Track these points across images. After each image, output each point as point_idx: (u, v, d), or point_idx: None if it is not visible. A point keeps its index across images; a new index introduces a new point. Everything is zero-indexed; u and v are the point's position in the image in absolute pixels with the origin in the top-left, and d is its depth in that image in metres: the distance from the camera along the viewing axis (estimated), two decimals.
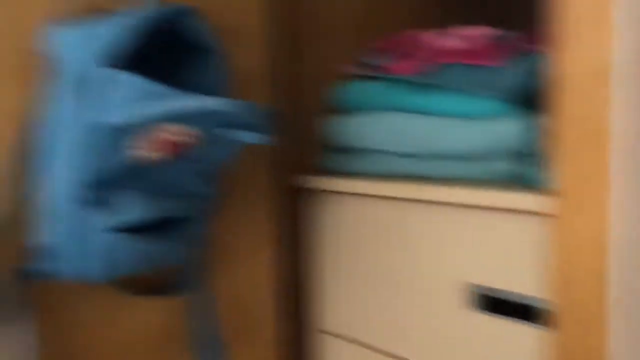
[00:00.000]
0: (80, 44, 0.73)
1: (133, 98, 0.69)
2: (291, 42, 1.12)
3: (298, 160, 1.12)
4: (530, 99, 0.88)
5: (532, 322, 0.78)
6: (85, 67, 0.71)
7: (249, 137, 0.74)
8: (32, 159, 0.79)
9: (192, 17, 0.77)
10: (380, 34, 1.11)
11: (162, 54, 0.83)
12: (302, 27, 1.13)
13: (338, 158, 1.08)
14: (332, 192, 1.05)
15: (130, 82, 0.69)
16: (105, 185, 0.72)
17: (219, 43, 0.80)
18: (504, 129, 0.86)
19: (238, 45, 1.02)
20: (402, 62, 0.96)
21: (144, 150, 0.72)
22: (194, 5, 0.94)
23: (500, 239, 0.81)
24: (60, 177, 0.73)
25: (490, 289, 0.83)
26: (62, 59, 0.74)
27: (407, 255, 0.93)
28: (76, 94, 0.72)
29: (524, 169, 0.85)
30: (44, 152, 0.76)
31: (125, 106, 0.69)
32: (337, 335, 1.08)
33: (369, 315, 1.01)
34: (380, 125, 1.00)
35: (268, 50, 1.06)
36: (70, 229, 0.73)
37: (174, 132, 0.72)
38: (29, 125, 0.80)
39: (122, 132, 0.69)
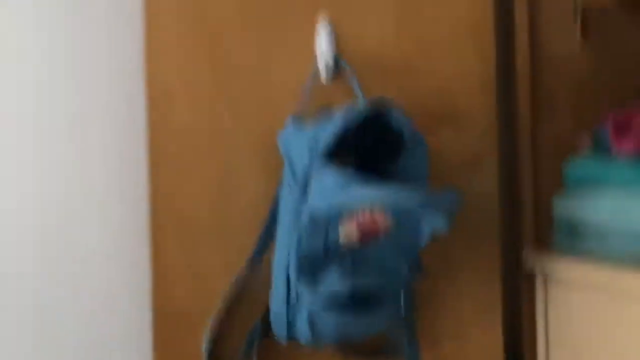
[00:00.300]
0: (300, 142, 0.87)
1: (336, 189, 0.80)
2: (524, 119, 1.12)
3: (530, 238, 1.11)
4: None
5: None
6: (303, 163, 0.85)
7: (438, 223, 0.79)
8: (270, 235, 0.96)
9: (395, 112, 0.86)
10: (617, 108, 1.05)
11: (378, 143, 0.94)
12: (537, 103, 1.12)
13: (567, 237, 1.04)
14: (560, 276, 1.01)
15: (334, 176, 0.81)
16: (313, 262, 0.84)
17: (418, 134, 0.87)
18: None
19: (469, 126, 1.07)
20: (630, 137, 0.90)
21: (346, 233, 0.82)
22: (431, 88, 1.05)
23: None
24: (280, 253, 0.88)
25: None
26: (290, 154, 0.89)
27: (624, 352, 0.85)
28: (295, 185, 0.86)
29: None
30: (276, 229, 0.92)
31: (329, 196, 0.80)
32: None
33: None
34: (607, 203, 0.94)
35: (496, 129, 1.09)
36: (284, 297, 0.87)
37: (372, 217, 0.81)
38: (270, 207, 0.97)
39: (326, 219, 0.81)
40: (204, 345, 0.96)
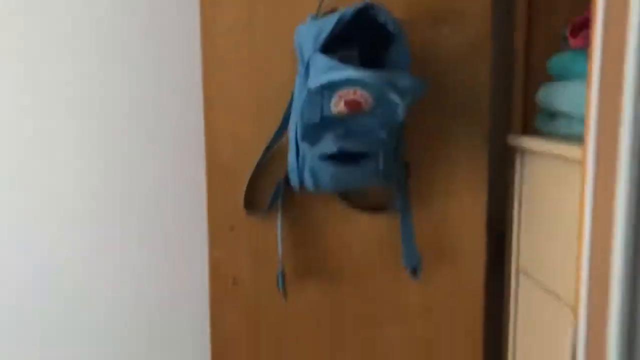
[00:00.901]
0: (308, 35, 1.12)
1: (326, 69, 1.05)
2: (520, 16, 1.28)
3: (514, 120, 1.30)
4: None
5: None
6: (308, 50, 1.10)
7: (406, 101, 1.03)
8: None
9: (381, 11, 1.08)
10: None
11: (371, 35, 1.15)
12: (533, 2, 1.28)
13: (546, 120, 1.22)
14: (535, 151, 1.21)
15: (325, 60, 1.06)
16: (314, 127, 1.11)
17: (401, 29, 1.09)
18: None
19: (466, 22, 1.25)
20: (582, 33, 1.06)
21: (335, 105, 1.08)
22: None
23: None
24: (292, 122, 1.15)
25: None
26: (300, 44, 1.14)
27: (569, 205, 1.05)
28: (302, 69, 1.12)
29: None
30: (293, 107, 1.19)
31: (321, 75, 1.05)
32: (528, 274, 1.25)
33: (551, 259, 1.14)
34: (570, 91, 1.11)
35: (491, 25, 1.26)
36: (295, 155, 1.15)
37: (355, 94, 1.06)
38: (293, 89, 1.23)
39: (319, 93, 1.06)
40: (242, 193, 1.27)
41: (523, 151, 1.26)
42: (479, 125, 1.28)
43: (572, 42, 1.08)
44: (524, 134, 1.29)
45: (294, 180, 1.18)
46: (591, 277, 0.66)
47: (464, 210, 1.31)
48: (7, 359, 1.50)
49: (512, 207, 1.31)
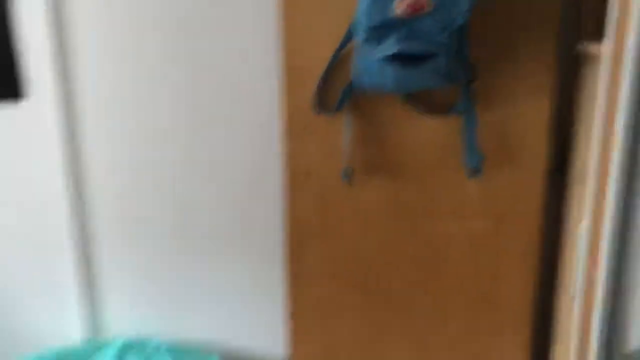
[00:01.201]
0: None
1: None
2: None
3: (586, 26, 1.29)
4: None
5: None
6: None
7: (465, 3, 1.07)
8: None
9: None
10: None
11: None
12: None
13: None
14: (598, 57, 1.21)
15: None
16: (377, 29, 1.17)
17: None
18: None
19: None
20: None
21: (397, 7, 1.13)
22: None
23: None
24: (359, 25, 1.22)
25: None
26: None
27: None
28: None
29: None
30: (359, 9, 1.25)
31: None
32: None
33: None
34: None
35: None
36: (361, 57, 1.23)
37: None
38: None
39: None
40: (314, 95, 1.37)
41: (593, 58, 1.25)
42: (549, 30, 1.29)
43: None
44: (595, 40, 1.27)
45: (360, 82, 1.27)
46: (596, 163, 0.70)
47: (528, 114, 1.34)
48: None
49: (579, 114, 1.32)
